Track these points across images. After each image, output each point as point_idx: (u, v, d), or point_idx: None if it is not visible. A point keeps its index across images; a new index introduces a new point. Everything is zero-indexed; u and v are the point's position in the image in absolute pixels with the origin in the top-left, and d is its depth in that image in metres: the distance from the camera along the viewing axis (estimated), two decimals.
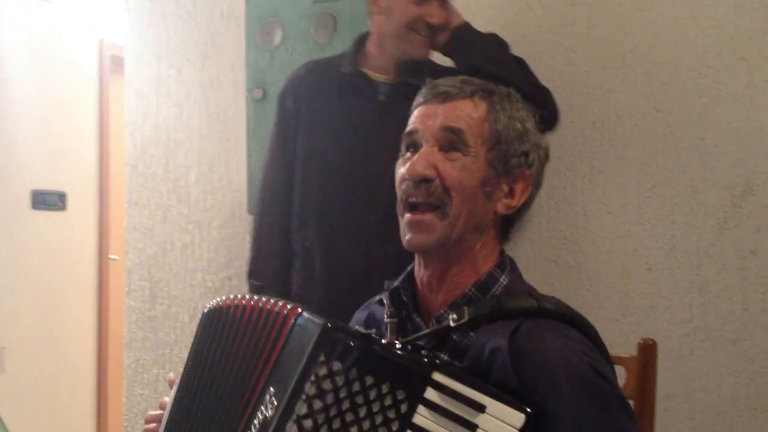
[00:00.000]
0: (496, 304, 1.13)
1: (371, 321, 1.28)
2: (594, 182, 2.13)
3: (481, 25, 2.00)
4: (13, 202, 3.72)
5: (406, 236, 1.20)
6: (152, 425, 1.30)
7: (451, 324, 1.11)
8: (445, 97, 1.21)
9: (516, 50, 2.00)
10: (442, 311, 1.18)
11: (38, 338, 3.79)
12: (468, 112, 1.19)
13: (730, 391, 1.97)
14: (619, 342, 2.08)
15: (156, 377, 2.83)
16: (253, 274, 2.11)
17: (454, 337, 1.13)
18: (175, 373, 1.32)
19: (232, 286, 2.70)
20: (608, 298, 2.09)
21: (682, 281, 2.04)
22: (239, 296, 1.24)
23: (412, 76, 1.89)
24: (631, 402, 1.34)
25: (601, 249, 2.12)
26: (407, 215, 1.19)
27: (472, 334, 1.12)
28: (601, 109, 2.12)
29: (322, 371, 1.05)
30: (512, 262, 1.24)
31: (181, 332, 2.78)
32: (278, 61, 2.57)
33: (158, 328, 2.84)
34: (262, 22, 2.60)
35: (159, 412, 1.30)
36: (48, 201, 3.89)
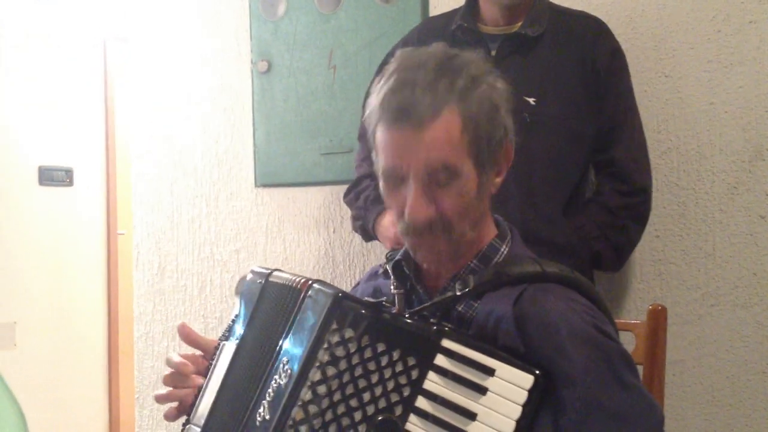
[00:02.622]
0: (500, 271, 1.15)
1: (378, 294, 1.29)
2: None
3: None
4: (20, 179, 3.73)
5: (417, 255, 1.20)
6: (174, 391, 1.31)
7: (457, 293, 1.13)
8: (418, 124, 1.11)
9: None
10: (446, 283, 1.19)
11: (48, 313, 3.82)
12: (447, 139, 1.11)
13: (739, 355, 1.97)
14: (629, 308, 2.09)
15: (166, 349, 2.85)
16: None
17: (459, 308, 1.15)
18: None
19: (240, 259, 2.71)
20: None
21: (691, 247, 2.03)
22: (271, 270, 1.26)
23: (528, 24, 1.86)
24: (640, 367, 1.35)
25: None
26: (411, 240, 1.18)
27: (476, 304, 1.14)
28: None
29: (335, 338, 1.07)
30: (513, 231, 1.25)
31: (190, 305, 2.79)
32: (282, 32, 2.56)
33: (167, 301, 2.85)
34: None
35: (171, 371, 1.30)
36: (55, 177, 3.89)
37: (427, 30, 2.03)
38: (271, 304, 1.23)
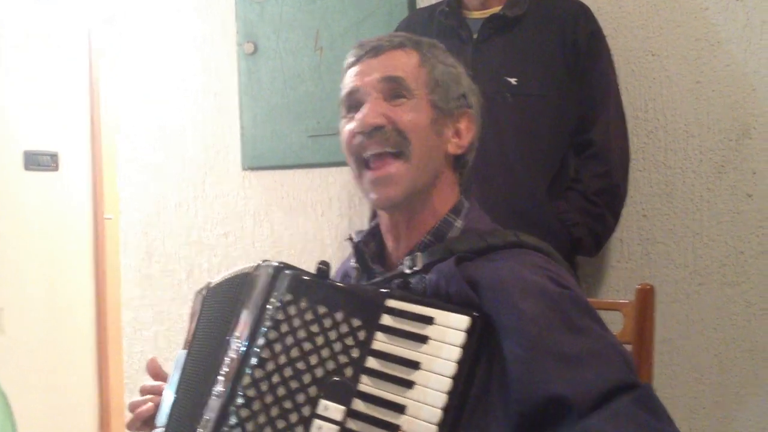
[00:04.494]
0: (448, 247, 1.15)
1: (346, 278, 1.32)
2: None
3: None
4: (5, 163, 3.69)
5: (374, 194, 1.19)
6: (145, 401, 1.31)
7: (406, 271, 1.15)
8: (376, 52, 1.21)
9: None
10: (400, 261, 1.19)
11: (37, 299, 3.80)
12: (403, 61, 1.20)
13: (727, 333, 1.99)
14: (617, 288, 2.09)
15: (155, 334, 2.85)
16: None
17: (411, 282, 1.16)
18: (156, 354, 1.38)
19: (228, 242, 2.70)
20: (605, 245, 2.08)
21: (678, 226, 2.04)
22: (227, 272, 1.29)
23: (508, 6, 1.90)
24: (629, 347, 1.35)
25: None
26: (368, 173, 1.19)
27: (426, 276, 1.14)
28: None
29: (275, 304, 1.10)
30: (471, 205, 1.25)
31: (179, 289, 2.78)
32: (268, 14, 2.53)
33: (155, 285, 2.84)
34: None
35: (151, 384, 1.33)
36: (41, 162, 3.86)
37: (413, 23, 2.08)
38: (219, 299, 1.25)
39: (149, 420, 1.29)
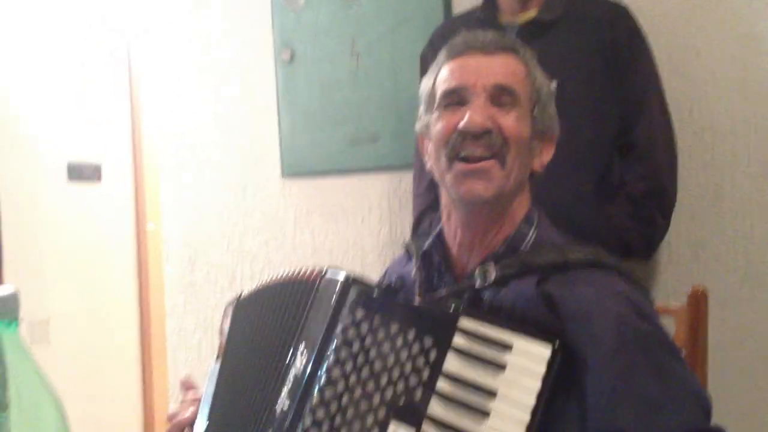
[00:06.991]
0: (524, 260, 1.13)
1: (401, 283, 1.27)
2: None
3: None
4: (49, 175, 3.75)
5: (462, 186, 1.15)
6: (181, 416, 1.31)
7: (476, 286, 1.11)
8: (486, 50, 1.19)
9: None
10: (472, 271, 1.16)
11: (81, 309, 3.84)
12: (514, 69, 1.19)
13: None
14: (667, 292, 2.04)
15: (199, 342, 2.86)
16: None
17: (485, 295, 1.12)
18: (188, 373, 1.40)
19: (269, 249, 2.70)
20: None
21: (728, 228, 1.98)
22: (266, 279, 1.27)
23: (544, 10, 1.89)
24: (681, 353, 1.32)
25: None
26: (460, 165, 1.16)
27: (501, 291, 1.11)
28: None
29: (346, 321, 1.07)
30: (540, 215, 1.23)
31: (221, 297, 2.79)
32: (304, 21, 2.54)
33: (198, 293, 2.86)
34: None
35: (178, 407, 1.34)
36: (84, 173, 3.91)
37: (449, 31, 2.03)
38: (270, 308, 1.22)
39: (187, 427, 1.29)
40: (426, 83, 1.25)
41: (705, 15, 1.99)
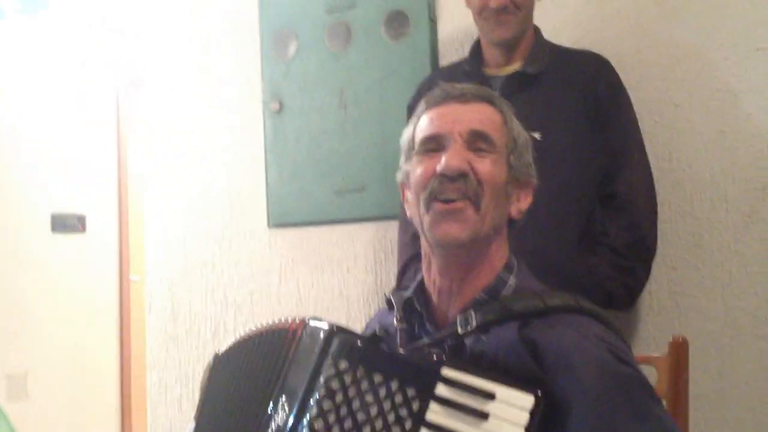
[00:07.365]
0: (505, 306, 1.14)
1: (384, 332, 1.28)
2: None
3: None
4: (33, 227, 3.74)
5: (439, 229, 1.18)
6: None
7: (459, 331, 1.12)
8: (463, 99, 1.23)
9: None
10: (453, 319, 1.17)
11: (61, 362, 3.80)
12: (490, 116, 1.23)
13: (762, 387, 1.94)
14: (648, 342, 2.05)
15: (179, 396, 2.83)
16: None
17: (467, 343, 1.13)
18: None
19: (253, 300, 2.69)
20: None
21: (707, 278, 2.01)
22: (247, 331, 1.27)
23: (529, 63, 1.93)
24: (663, 402, 1.32)
25: None
26: (437, 205, 1.18)
27: (484, 338, 1.12)
28: None
29: (330, 372, 1.07)
30: (519, 263, 1.25)
31: (204, 349, 2.77)
32: (293, 72, 2.57)
33: (180, 346, 2.83)
34: (276, 34, 2.60)
35: None
36: (68, 224, 3.90)
37: (436, 83, 2.06)
38: (250, 359, 1.22)
39: None
40: (406, 133, 1.29)
41: (684, 69, 2.05)
